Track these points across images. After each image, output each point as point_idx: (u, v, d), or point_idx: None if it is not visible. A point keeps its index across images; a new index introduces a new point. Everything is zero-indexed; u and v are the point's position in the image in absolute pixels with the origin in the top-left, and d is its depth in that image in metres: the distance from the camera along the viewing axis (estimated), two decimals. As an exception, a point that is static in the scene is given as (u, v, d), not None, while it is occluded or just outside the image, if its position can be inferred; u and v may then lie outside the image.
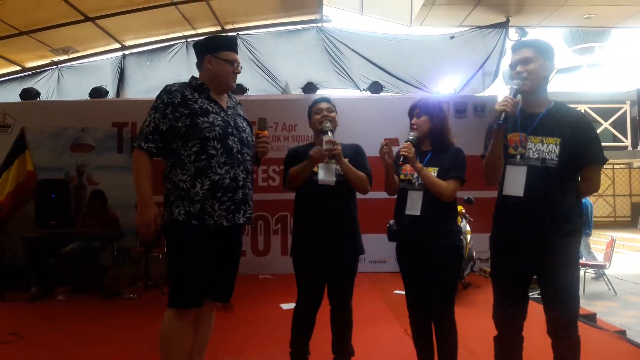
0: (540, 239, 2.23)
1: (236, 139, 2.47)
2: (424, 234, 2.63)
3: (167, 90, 2.43)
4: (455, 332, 2.71)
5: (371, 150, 3.05)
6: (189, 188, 2.37)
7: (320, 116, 2.89)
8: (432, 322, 2.74)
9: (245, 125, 2.58)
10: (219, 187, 2.39)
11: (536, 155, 2.26)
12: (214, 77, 2.50)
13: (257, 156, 2.59)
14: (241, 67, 2.58)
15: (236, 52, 2.57)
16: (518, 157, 2.29)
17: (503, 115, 2.18)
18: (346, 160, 2.81)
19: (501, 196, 2.36)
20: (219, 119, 2.44)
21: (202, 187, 2.37)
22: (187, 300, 2.37)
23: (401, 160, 2.59)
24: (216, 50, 2.50)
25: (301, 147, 3.04)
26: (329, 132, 2.78)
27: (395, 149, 2.69)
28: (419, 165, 2.61)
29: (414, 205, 2.65)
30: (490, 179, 2.40)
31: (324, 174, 2.84)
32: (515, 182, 2.27)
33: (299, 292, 2.94)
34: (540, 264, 2.24)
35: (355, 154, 2.93)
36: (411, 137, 2.67)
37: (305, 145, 3.07)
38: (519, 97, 2.28)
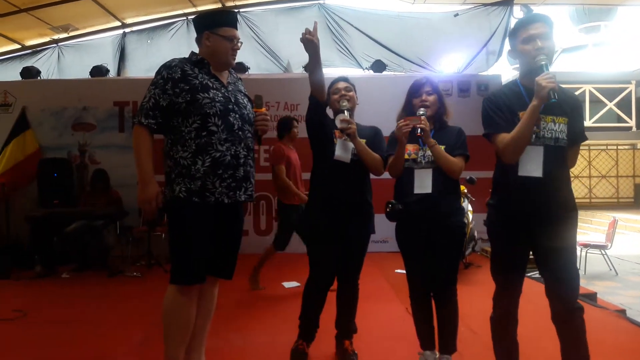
0: (558, 217, 2.22)
1: (237, 116, 2.44)
2: (433, 212, 2.63)
3: (167, 66, 2.40)
4: (456, 311, 2.73)
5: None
6: (190, 165, 2.35)
7: (338, 96, 2.88)
8: (432, 300, 2.77)
9: (246, 102, 2.55)
10: (219, 164, 2.37)
11: (550, 135, 2.23)
12: (212, 53, 2.47)
13: (258, 134, 2.57)
14: (241, 44, 2.54)
15: (236, 28, 2.52)
16: (533, 136, 2.23)
17: (552, 92, 2.10)
18: (363, 141, 2.81)
19: (516, 178, 2.27)
20: (220, 95, 2.41)
21: (203, 164, 2.35)
22: (189, 276, 2.38)
23: (419, 132, 2.55)
24: (215, 27, 2.46)
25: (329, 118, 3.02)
26: (345, 112, 2.78)
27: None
28: (433, 140, 2.60)
29: (424, 183, 2.64)
30: (514, 158, 2.25)
31: (341, 150, 2.83)
32: (533, 162, 2.22)
33: (311, 267, 2.93)
34: (556, 242, 2.22)
35: (373, 135, 2.92)
36: (421, 112, 2.65)
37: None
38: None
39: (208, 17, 2.57)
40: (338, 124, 2.76)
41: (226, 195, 2.40)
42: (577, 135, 2.28)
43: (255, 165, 2.61)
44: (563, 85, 2.29)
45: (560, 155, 2.24)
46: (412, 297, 2.82)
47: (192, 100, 2.34)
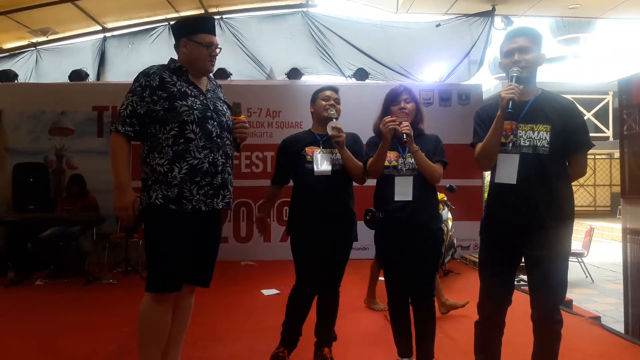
0: (536, 225, 2.24)
1: (215, 123, 2.43)
2: (414, 219, 2.63)
3: (145, 73, 2.39)
4: (434, 318, 2.74)
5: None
6: (167, 172, 2.33)
7: (328, 104, 2.88)
8: (410, 307, 2.77)
9: (225, 109, 2.54)
10: (197, 171, 2.36)
11: (527, 143, 2.26)
12: (190, 60, 2.46)
13: (237, 142, 2.56)
14: (220, 50, 2.52)
15: (213, 34, 2.50)
16: (510, 145, 2.28)
17: (510, 102, 2.17)
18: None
19: (494, 185, 2.36)
20: (198, 102, 2.40)
21: (180, 172, 2.34)
22: (165, 284, 2.34)
23: (405, 137, 2.54)
24: (191, 33, 2.44)
25: (297, 137, 3.00)
26: (333, 119, 2.79)
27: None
28: (416, 146, 2.60)
29: (405, 190, 2.64)
30: (485, 166, 2.40)
31: (320, 164, 2.83)
32: (508, 170, 2.27)
33: (298, 275, 2.92)
34: (536, 250, 2.24)
35: (352, 142, 2.91)
36: (404, 117, 2.64)
37: (300, 133, 3.06)
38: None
39: (185, 24, 2.56)
40: (329, 130, 2.74)
41: (204, 202, 2.39)
42: (569, 143, 2.26)
43: (233, 172, 2.60)
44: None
45: (543, 163, 2.24)
46: (391, 304, 2.83)
47: (170, 108, 2.33)
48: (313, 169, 2.83)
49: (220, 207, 2.46)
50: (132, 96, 2.35)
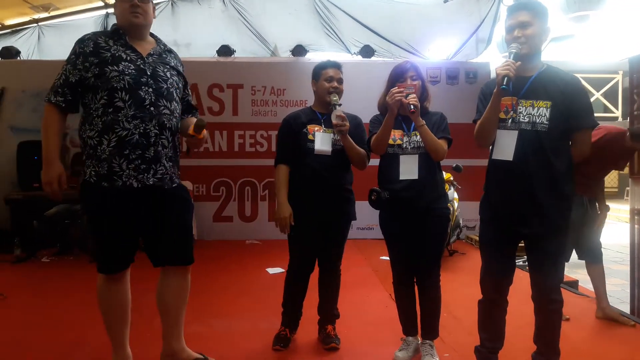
0: (531, 203, 2.21)
1: (150, 90, 2.25)
2: (420, 199, 2.61)
3: (80, 40, 2.30)
4: (439, 297, 2.74)
5: (361, 116, 2.99)
6: (96, 145, 2.21)
7: (331, 86, 2.81)
8: (416, 286, 2.76)
9: (169, 75, 2.34)
10: (126, 143, 2.20)
11: (527, 119, 2.22)
12: (118, 20, 2.35)
13: (188, 147, 2.47)
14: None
15: None
16: (509, 121, 2.25)
17: (506, 79, 2.12)
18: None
19: (492, 161, 2.33)
20: (132, 67, 2.24)
21: (109, 144, 2.20)
22: (107, 265, 2.33)
23: (412, 108, 2.48)
24: None
25: (298, 114, 2.95)
26: (337, 106, 2.74)
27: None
28: (422, 120, 2.55)
29: (411, 169, 2.61)
30: (482, 142, 2.36)
31: (321, 144, 2.79)
32: (506, 146, 2.24)
33: (291, 255, 2.93)
34: (532, 229, 2.22)
35: (354, 126, 2.85)
36: (412, 88, 2.58)
37: (301, 110, 3.01)
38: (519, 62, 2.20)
39: None
40: (333, 119, 2.70)
41: (135, 178, 2.23)
42: (571, 120, 2.20)
43: (174, 145, 2.38)
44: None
45: (541, 140, 2.19)
46: (396, 283, 2.82)
47: (100, 74, 2.21)
48: (313, 147, 2.80)
49: (151, 182, 2.27)
50: (66, 65, 2.27)
